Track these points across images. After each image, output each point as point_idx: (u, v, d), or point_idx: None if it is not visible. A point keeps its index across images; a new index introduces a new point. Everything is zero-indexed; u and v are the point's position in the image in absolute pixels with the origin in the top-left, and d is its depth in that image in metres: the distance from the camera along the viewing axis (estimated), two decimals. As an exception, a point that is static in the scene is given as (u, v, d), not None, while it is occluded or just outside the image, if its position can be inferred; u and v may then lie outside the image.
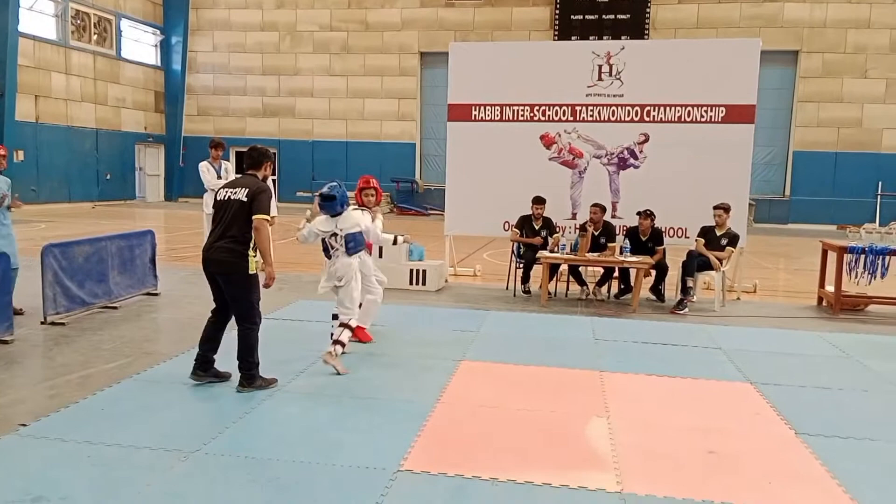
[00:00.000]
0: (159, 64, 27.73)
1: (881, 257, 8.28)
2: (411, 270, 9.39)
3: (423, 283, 9.34)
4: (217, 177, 10.07)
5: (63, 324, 6.72)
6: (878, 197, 22.68)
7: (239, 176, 5.01)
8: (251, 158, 5.02)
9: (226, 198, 4.81)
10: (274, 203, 10.67)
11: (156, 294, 8.36)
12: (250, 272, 4.77)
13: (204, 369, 5.01)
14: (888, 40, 22.66)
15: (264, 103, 27.14)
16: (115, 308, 7.53)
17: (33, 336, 6.33)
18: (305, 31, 26.57)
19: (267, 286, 4.84)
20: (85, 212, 21.07)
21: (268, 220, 4.76)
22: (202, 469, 3.69)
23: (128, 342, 6.22)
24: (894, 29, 22.66)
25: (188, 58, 27.53)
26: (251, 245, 4.77)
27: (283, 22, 26.69)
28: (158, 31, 27.41)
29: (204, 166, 10.08)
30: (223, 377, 5.05)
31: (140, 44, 26.84)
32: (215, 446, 3.98)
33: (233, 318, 4.98)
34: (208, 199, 10.12)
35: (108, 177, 24.92)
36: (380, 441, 4.12)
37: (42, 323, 6.64)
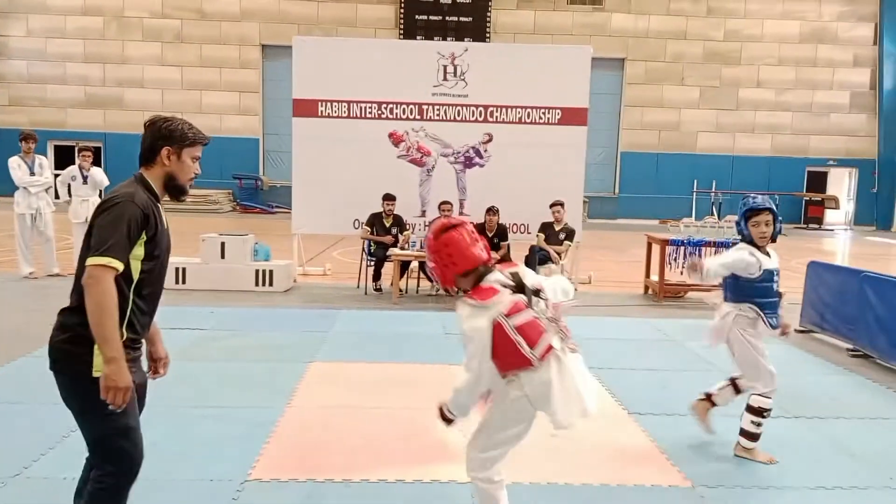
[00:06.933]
0: (-40, 46, 24.69)
1: (697, 248, 9.15)
2: (257, 271, 9.05)
3: (271, 284, 9.05)
4: (30, 173, 9.17)
5: None
6: (694, 194, 24.98)
7: None
8: None
9: None
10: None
11: (-39, 304, 7.44)
12: None
13: None
14: (701, 50, 25.02)
15: (88, 93, 24.99)
16: None
17: None
18: (134, 18, 24.76)
19: None
20: None
21: None
22: (25, 495, 3.38)
23: (-74, 360, 5.48)
24: (707, 40, 25.03)
25: (-3, 42, 24.74)
26: None
27: (109, 6, 24.68)
28: (-41, 10, 24.42)
29: (14, 162, 9.15)
30: None
31: (-65, 22, 23.76)
32: (38, 469, 3.64)
33: None
34: (19, 198, 9.20)
35: None
36: (226, 451, 3.94)
37: None
